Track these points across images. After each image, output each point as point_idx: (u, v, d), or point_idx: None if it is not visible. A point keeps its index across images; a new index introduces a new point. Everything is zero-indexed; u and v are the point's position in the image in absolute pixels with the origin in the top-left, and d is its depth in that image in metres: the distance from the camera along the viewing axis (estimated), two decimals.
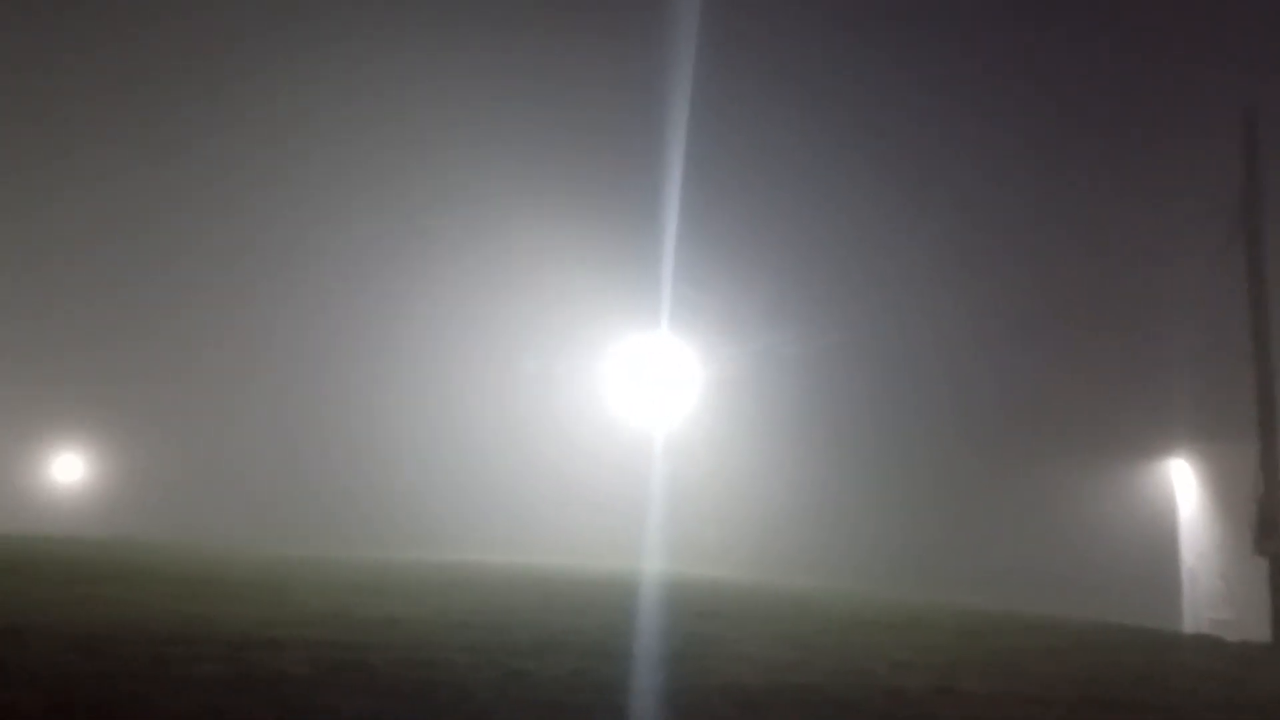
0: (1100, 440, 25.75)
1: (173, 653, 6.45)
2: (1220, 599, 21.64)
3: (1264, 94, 14.64)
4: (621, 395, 32.11)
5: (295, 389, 34.36)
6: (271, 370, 34.41)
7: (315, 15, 31.58)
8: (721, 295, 29.58)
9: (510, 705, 5.56)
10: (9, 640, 6.66)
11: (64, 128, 32.99)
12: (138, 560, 16.58)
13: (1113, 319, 25.75)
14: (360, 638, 7.70)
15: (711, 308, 29.91)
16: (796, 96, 29.11)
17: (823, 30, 29.11)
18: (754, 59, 28.55)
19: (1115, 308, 25.85)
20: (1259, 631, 12.86)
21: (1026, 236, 27.62)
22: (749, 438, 30.55)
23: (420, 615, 9.81)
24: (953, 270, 27.66)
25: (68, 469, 35.25)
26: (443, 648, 7.45)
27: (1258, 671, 9.36)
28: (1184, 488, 24.54)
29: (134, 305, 34.49)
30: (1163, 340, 24.34)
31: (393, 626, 8.67)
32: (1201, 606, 22.42)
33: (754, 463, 30.35)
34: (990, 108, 28.64)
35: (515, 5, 31.46)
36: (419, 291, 33.69)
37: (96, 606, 8.99)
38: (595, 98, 30.66)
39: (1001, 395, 27.14)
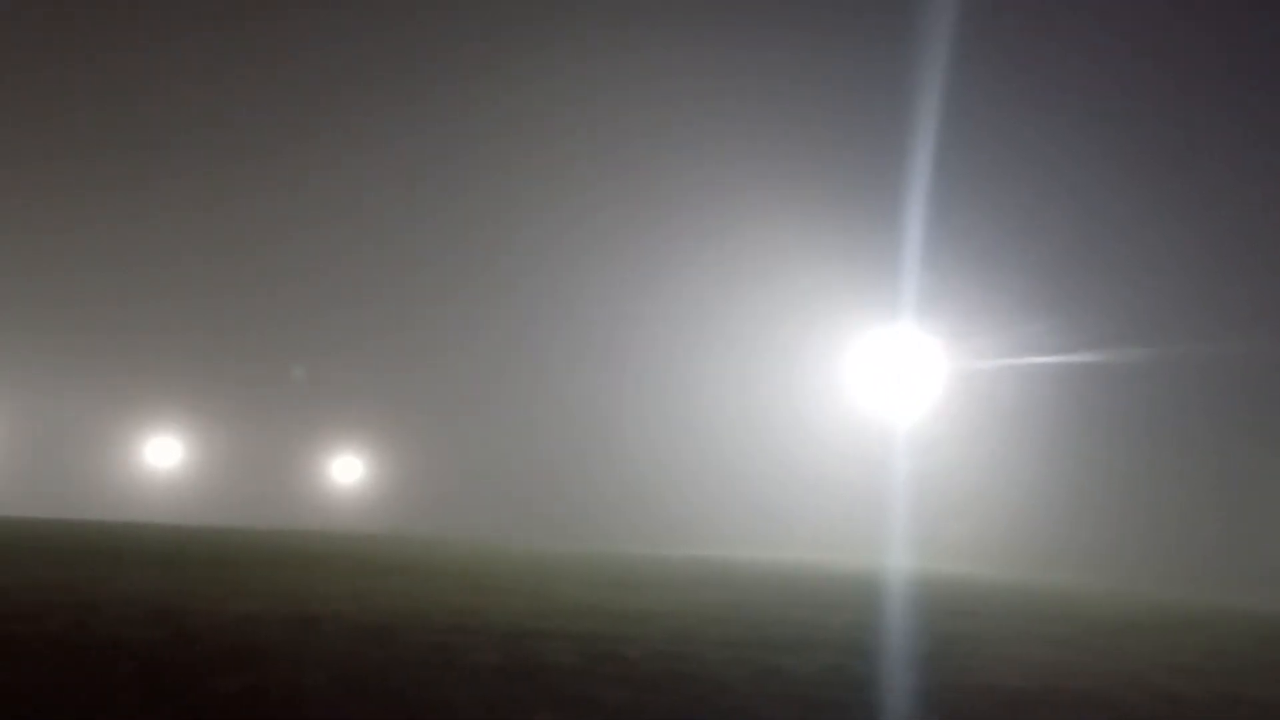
0: None
1: (452, 641, 6.93)
2: None
3: None
4: (865, 388, 31.49)
5: (549, 389, 35.90)
6: (527, 371, 36.12)
7: (557, 12, 32.83)
8: (969, 286, 28.54)
9: (767, 700, 5.59)
10: (305, 628, 7.33)
11: (357, 137, 35.52)
12: (414, 555, 17.93)
13: None
14: (619, 630, 7.99)
15: (958, 299, 28.91)
16: (1045, 81, 27.83)
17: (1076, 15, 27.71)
18: (997, 46, 27.46)
19: None
20: None
21: None
22: (997, 430, 29.23)
23: (674, 609, 10.05)
24: (1220, 257, 25.66)
25: (348, 470, 38.38)
26: (697, 641, 7.60)
27: None
28: None
29: (406, 313, 37.06)
30: None
31: (649, 620, 8.93)
32: None
33: (1003, 456, 29.01)
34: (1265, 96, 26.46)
35: (752, 2, 31.64)
36: (664, 289, 34.37)
37: (381, 598, 9.79)
38: (835, 90, 30.36)
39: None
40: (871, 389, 31.30)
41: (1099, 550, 24.62)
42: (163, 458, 35.66)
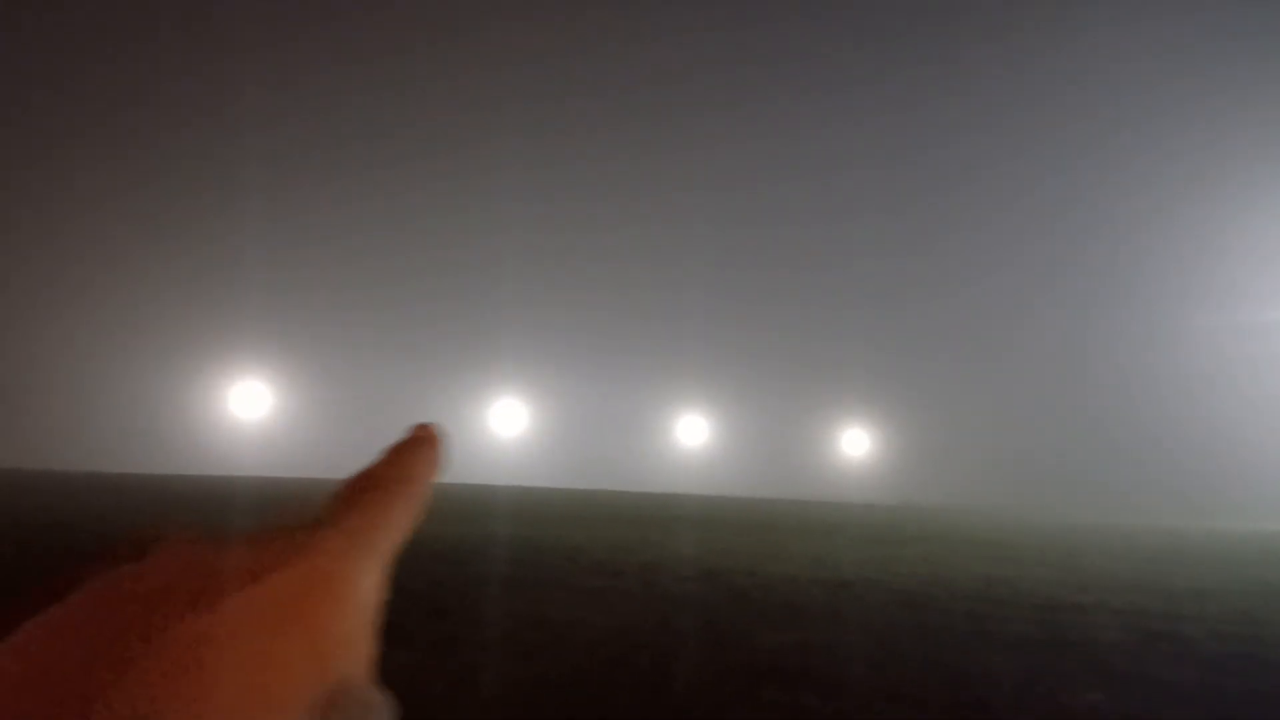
0: None
1: (983, 610, 6.86)
2: None
3: None
4: None
5: (1068, 357, 33.83)
6: (1044, 339, 34.37)
7: None
8: None
9: None
10: (840, 592, 7.68)
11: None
12: (928, 525, 17.89)
13: None
14: (1171, 607, 7.35)
15: None
16: None
17: None
18: None
19: None
20: None
21: None
22: None
23: (1233, 587, 9.01)
24: None
25: (856, 443, 39.14)
26: (1268, 624, 6.76)
27: None
28: None
29: (912, 295, 36.99)
30: None
31: (1205, 597, 8.10)
32: None
33: None
34: None
35: None
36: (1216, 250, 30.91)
37: (904, 565, 9.94)
38: None
39: None
40: None
41: None
42: (691, 437, 38.99)
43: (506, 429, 36.82)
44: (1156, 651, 5.59)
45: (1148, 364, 32.12)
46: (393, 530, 0.30)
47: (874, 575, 8.82)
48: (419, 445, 0.34)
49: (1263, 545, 15.68)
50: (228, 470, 30.89)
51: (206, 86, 34.22)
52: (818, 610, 6.71)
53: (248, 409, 34.09)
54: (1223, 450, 29.61)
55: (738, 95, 36.19)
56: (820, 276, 37.84)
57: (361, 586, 0.28)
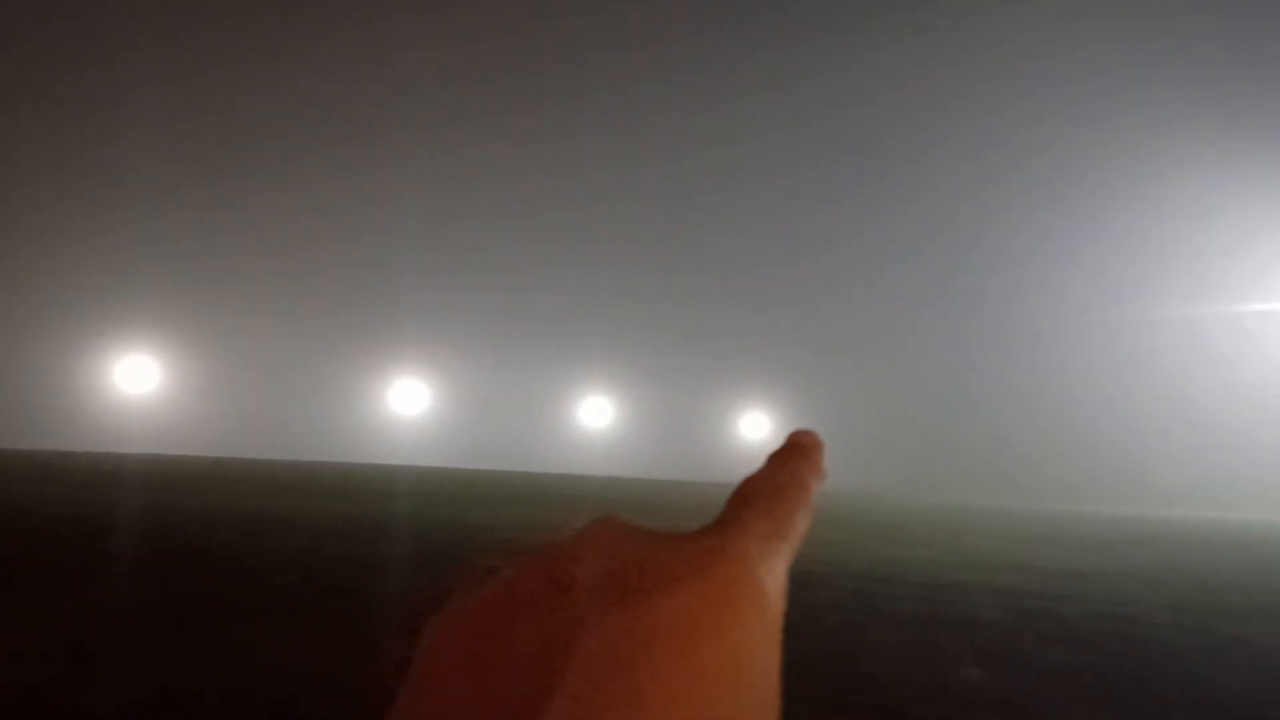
0: None
1: (873, 589, 7.08)
2: None
3: None
4: None
5: (964, 338, 34.72)
6: (939, 322, 35.16)
7: None
8: None
9: (1228, 674, 5.15)
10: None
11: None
12: (822, 505, 18.27)
13: None
14: (1048, 588, 7.70)
15: None
16: None
17: None
18: None
19: None
20: None
21: None
22: None
23: (1109, 569, 9.47)
24: None
25: (757, 427, 39.61)
26: (1140, 604, 7.13)
27: None
28: None
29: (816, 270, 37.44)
30: None
31: (1081, 579, 8.50)
32: None
33: None
34: None
35: None
36: (1102, 229, 31.89)
37: (805, 545, 10.18)
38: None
39: None
40: None
41: None
42: (595, 419, 39.05)
43: (407, 408, 36.34)
44: (1032, 630, 5.86)
45: (1055, 355, 33.23)
46: (795, 538, 0.30)
47: None
48: (805, 451, 0.33)
49: (1143, 530, 16.47)
50: (112, 447, 29.80)
51: (103, 73, 32.86)
52: None
53: (134, 384, 32.91)
54: (1117, 438, 30.82)
55: (637, 74, 36.33)
56: (724, 248, 38.32)
57: (772, 595, 0.27)
